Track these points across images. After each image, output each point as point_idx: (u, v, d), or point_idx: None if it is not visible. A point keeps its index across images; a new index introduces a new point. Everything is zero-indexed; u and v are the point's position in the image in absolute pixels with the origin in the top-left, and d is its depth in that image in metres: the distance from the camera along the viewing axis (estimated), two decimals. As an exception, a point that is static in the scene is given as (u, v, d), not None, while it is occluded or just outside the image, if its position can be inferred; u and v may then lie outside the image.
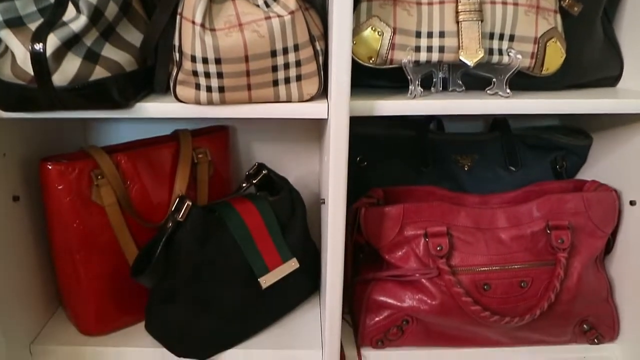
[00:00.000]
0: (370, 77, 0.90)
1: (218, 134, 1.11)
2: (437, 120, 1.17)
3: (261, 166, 1.04)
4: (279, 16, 0.74)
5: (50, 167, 0.91)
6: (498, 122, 1.15)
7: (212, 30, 0.74)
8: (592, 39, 0.96)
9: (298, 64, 0.78)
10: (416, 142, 1.11)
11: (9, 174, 0.93)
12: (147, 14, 0.84)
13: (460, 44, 0.81)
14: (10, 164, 0.93)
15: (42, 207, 0.96)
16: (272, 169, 1.04)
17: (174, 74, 0.79)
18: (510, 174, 1.10)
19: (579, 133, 1.11)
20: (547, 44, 0.86)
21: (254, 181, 1.04)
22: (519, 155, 1.10)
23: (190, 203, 0.88)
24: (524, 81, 0.89)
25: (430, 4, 0.83)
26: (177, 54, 0.78)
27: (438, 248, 0.91)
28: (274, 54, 0.76)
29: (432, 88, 0.90)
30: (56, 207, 0.93)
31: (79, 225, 0.94)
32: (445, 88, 0.91)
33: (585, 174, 1.11)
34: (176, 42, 0.77)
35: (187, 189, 1.02)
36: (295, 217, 1.02)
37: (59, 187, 0.92)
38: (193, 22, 0.73)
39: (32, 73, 0.73)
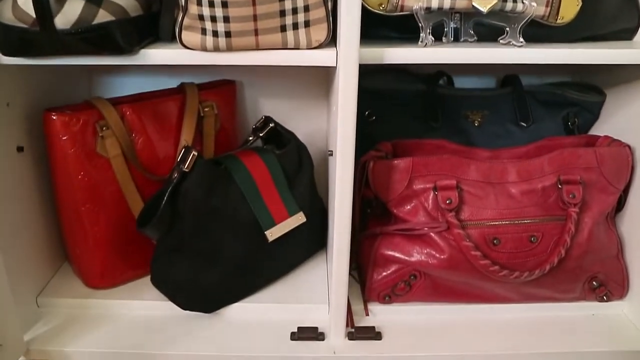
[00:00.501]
0: (379, 27, 0.88)
1: (225, 88, 1.09)
2: (447, 76, 1.15)
3: (268, 119, 1.02)
4: (287, -42, 0.72)
5: (54, 118, 0.90)
6: (509, 78, 1.13)
7: (219, -29, 0.72)
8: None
9: (306, 9, 0.76)
10: (426, 97, 1.09)
11: (12, 124, 0.91)
12: (152, -43, 0.82)
13: (474, -10, 0.79)
14: (14, 113, 0.91)
15: (47, 159, 0.95)
16: (278, 122, 1.02)
17: (180, 19, 0.77)
18: (521, 129, 1.08)
19: (592, 89, 1.09)
20: (563, -8, 0.83)
21: (261, 134, 1.03)
22: (530, 111, 1.08)
23: (196, 153, 0.87)
24: (537, 31, 0.86)
25: (443, -51, 0.80)
26: (183, 0, 0.76)
27: (447, 202, 0.90)
28: (281, -3, 0.74)
29: (444, 38, 0.87)
30: (60, 158, 0.92)
31: (84, 177, 0.93)
32: (456, 38, 0.88)
33: (598, 130, 1.09)
34: (182, -13, 0.75)
35: (193, 143, 1.01)
36: (302, 171, 1.01)
37: (64, 138, 0.91)
38: (199, -36, 0.71)
39: (33, 15, 0.71)
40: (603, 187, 0.94)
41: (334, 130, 0.83)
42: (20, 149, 0.93)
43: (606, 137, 1.00)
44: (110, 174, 0.95)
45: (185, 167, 0.87)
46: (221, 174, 0.93)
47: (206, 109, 1.04)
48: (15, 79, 0.91)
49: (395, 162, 0.92)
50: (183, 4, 0.76)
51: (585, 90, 1.09)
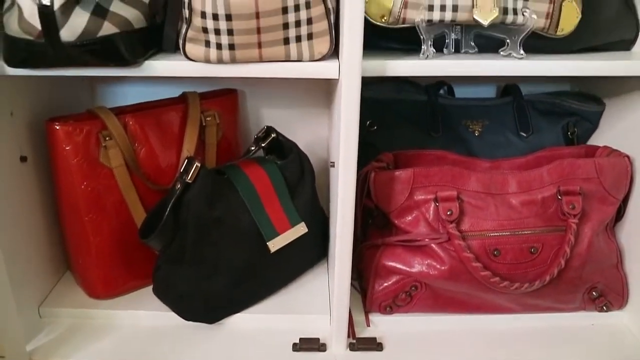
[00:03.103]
0: (381, 38, 0.88)
1: (227, 97, 1.10)
2: (447, 86, 1.15)
3: (270, 129, 1.03)
4: (290, -29, 0.73)
5: (57, 128, 0.91)
6: (509, 88, 1.14)
7: (223, -15, 0.72)
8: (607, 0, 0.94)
9: (309, 21, 0.76)
10: (426, 106, 1.09)
11: (16, 133, 0.92)
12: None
13: (475, 2, 0.80)
14: (17, 123, 0.92)
15: (50, 168, 0.95)
16: (280, 133, 1.03)
17: (184, 31, 0.77)
18: (521, 139, 1.09)
19: (591, 99, 1.10)
20: (563, 4, 0.84)
21: (263, 144, 1.03)
22: (530, 120, 1.09)
23: (198, 164, 0.88)
24: (537, 43, 0.87)
25: (444, -40, 0.81)
26: (187, 11, 0.76)
27: (448, 213, 0.91)
28: (285, 10, 0.74)
29: (445, 50, 0.88)
30: (64, 168, 0.92)
31: (87, 186, 0.93)
32: (457, 50, 0.89)
33: (597, 140, 1.10)
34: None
35: (195, 152, 1.01)
36: (303, 181, 1.01)
37: (67, 148, 0.91)
38: (203, -23, 0.71)
39: (39, 27, 0.72)
40: (602, 197, 0.94)
41: (337, 142, 0.84)
42: (23, 159, 0.94)
43: (605, 147, 1.00)
44: (113, 183, 0.96)
45: (189, 178, 0.87)
46: (224, 185, 0.93)
47: (208, 119, 1.04)
48: (19, 88, 0.92)
49: (397, 173, 0.92)
50: (187, 16, 0.76)
51: (585, 100, 1.10)
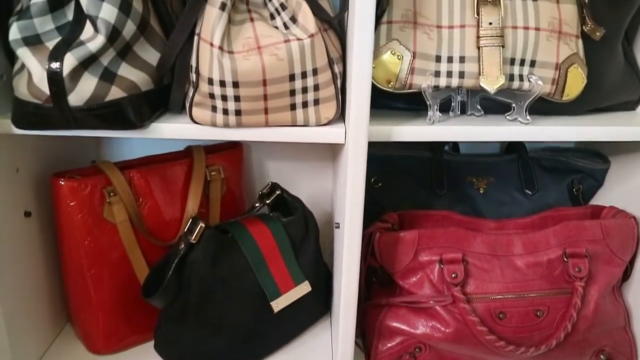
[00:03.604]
0: (387, 99, 0.89)
1: (232, 151, 1.10)
2: (452, 141, 1.15)
3: (275, 186, 1.03)
4: (298, 39, 0.73)
5: (62, 183, 0.91)
6: (514, 144, 1.14)
7: (231, 52, 0.73)
8: (613, 63, 0.94)
9: (316, 87, 0.77)
10: (431, 163, 1.09)
11: (21, 189, 0.92)
12: (164, 31, 0.83)
13: (481, 70, 0.80)
14: (22, 179, 0.92)
15: (54, 223, 0.95)
16: (285, 189, 1.03)
17: (190, 94, 0.78)
18: (526, 197, 1.08)
19: (596, 156, 1.10)
20: (569, 70, 0.84)
21: (267, 201, 1.03)
22: (535, 178, 1.09)
23: (203, 225, 0.87)
24: (543, 105, 0.87)
25: (451, 27, 0.82)
26: (194, 75, 0.77)
27: (453, 275, 0.90)
28: (292, 77, 0.75)
29: (450, 112, 0.88)
30: (68, 223, 0.92)
31: (91, 242, 0.93)
32: (463, 111, 0.90)
33: (603, 197, 1.09)
34: (193, 63, 0.76)
35: (200, 207, 1.01)
36: (308, 238, 1.01)
37: (71, 204, 0.91)
38: (211, 45, 0.72)
39: (48, 92, 0.72)
40: (609, 259, 0.94)
41: (342, 204, 0.83)
42: (27, 214, 0.93)
43: (611, 207, 1.00)
44: (117, 239, 0.95)
45: (193, 238, 0.87)
46: (228, 243, 0.93)
47: (213, 173, 1.04)
48: (25, 145, 0.92)
49: (402, 234, 0.92)
50: (194, 80, 0.77)
51: (590, 157, 1.10)
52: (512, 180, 1.10)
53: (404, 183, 1.08)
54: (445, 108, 0.88)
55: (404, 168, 1.09)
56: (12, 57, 0.79)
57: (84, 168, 0.96)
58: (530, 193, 1.08)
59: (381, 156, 1.08)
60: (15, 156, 0.89)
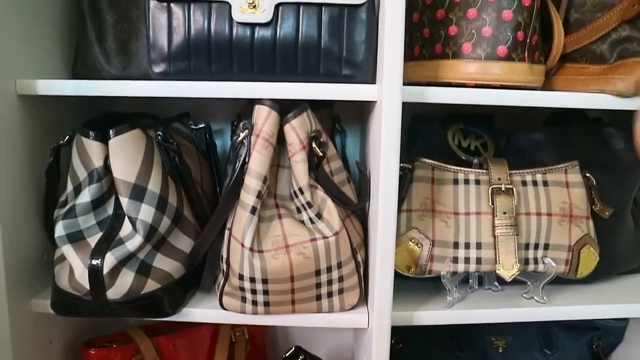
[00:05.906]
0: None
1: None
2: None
3: (298, 350, 1.04)
4: (324, 237, 0.78)
5: (92, 353, 0.94)
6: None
7: (260, 252, 0.77)
8: (623, 231, 0.97)
9: (340, 279, 0.81)
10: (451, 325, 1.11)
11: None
12: (196, 217, 0.88)
13: (497, 258, 0.84)
14: (55, 350, 0.95)
15: (84, 392, 0.97)
16: (309, 352, 1.05)
17: (221, 283, 0.82)
18: (545, 357, 1.09)
19: (613, 314, 1.11)
20: (581, 251, 0.87)
21: (290, 365, 1.05)
22: (553, 337, 1.10)
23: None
24: (558, 278, 0.90)
25: (467, 214, 0.86)
26: (225, 265, 0.81)
27: None
28: (318, 273, 0.79)
29: (468, 289, 0.91)
30: (97, 392, 0.95)
31: (120, 409, 0.95)
32: (480, 284, 0.93)
33: (624, 354, 1.10)
34: (224, 254, 0.80)
35: (225, 367, 1.04)
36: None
37: (102, 373, 0.94)
38: (242, 245, 0.76)
39: (88, 287, 0.77)
40: None
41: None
42: (58, 384, 0.96)
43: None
44: (145, 405, 0.97)
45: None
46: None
47: (237, 334, 1.07)
48: (58, 319, 0.95)
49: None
50: (224, 269, 0.81)
51: (608, 314, 1.11)
52: (530, 339, 1.11)
53: (425, 345, 1.10)
54: (462, 279, 0.91)
55: (424, 331, 1.11)
56: (53, 237, 0.83)
57: (114, 334, 0.99)
58: (549, 353, 1.09)
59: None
60: (49, 330, 0.93)
